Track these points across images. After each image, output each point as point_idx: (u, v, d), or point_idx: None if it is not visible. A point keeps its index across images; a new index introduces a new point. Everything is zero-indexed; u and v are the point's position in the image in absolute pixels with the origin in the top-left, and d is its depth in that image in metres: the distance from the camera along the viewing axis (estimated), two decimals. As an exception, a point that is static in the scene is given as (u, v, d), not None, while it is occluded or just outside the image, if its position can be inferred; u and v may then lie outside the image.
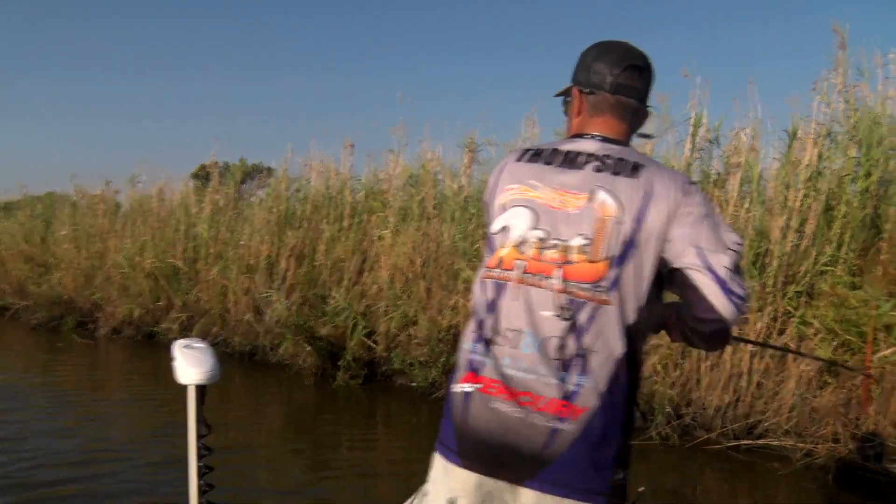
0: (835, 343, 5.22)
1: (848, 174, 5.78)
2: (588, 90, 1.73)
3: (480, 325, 1.64)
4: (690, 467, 5.23)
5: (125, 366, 8.99)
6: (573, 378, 1.52)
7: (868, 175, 5.60)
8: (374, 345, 7.54)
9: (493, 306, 1.63)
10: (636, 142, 1.83)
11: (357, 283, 8.28)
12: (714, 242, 1.53)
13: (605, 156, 1.63)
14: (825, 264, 5.52)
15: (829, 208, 5.79)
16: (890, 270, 5.10)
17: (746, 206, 6.13)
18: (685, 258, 1.53)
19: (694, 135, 6.44)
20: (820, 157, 5.97)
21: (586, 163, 1.64)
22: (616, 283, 1.54)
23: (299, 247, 8.91)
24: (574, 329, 1.54)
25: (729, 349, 5.56)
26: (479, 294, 1.67)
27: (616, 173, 1.60)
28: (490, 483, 1.56)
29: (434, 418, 4.42)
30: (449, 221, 7.84)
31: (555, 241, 1.59)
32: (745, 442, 5.32)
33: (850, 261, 5.46)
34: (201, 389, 1.94)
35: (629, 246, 1.55)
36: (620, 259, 1.55)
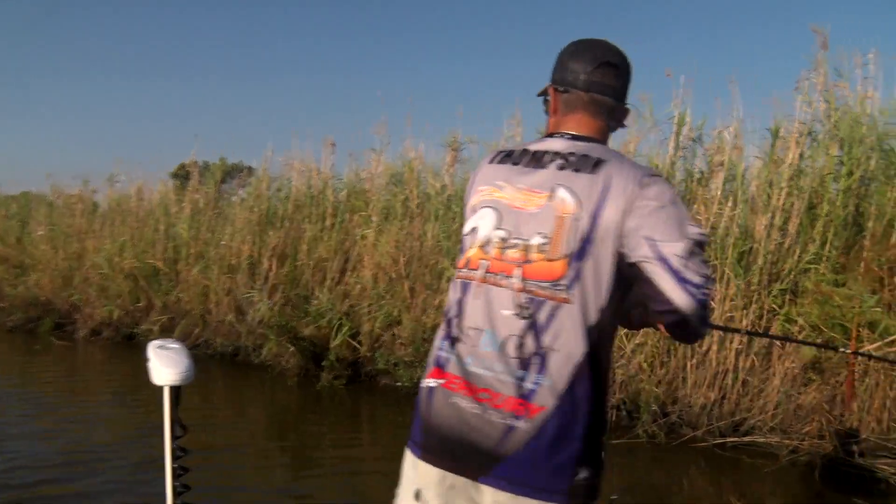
0: (819, 340, 5.25)
1: (830, 173, 5.82)
2: (563, 88, 1.73)
3: (449, 323, 1.67)
4: (677, 465, 5.25)
5: (104, 367, 8.87)
6: (531, 377, 1.52)
7: (850, 174, 5.64)
8: (357, 345, 7.49)
9: (459, 305, 1.66)
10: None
11: (340, 282, 8.25)
12: (667, 232, 1.50)
13: (569, 153, 1.63)
14: (809, 262, 5.56)
15: (811, 206, 5.82)
16: (873, 268, 5.14)
17: (730, 204, 6.15)
18: (639, 251, 1.50)
19: (678, 133, 6.46)
20: (801, 156, 6.01)
21: (551, 161, 1.64)
22: (575, 282, 1.53)
23: (281, 246, 8.84)
24: (533, 328, 1.54)
25: (714, 348, 5.59)
26: (451, 293, 1.71)
27: (577, 170, 1.59)
28: (451, 477, 1.58)
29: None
30: (432, 220, 7.82)
31: (515, 241, 1.60)
32: (731, 439, 5.34)
33: (833, 258, 5.50)
34: (176, 390, 1.94)
35: (586, 243, 1.53)
36: (578, 257, 1.53)
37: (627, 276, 1.55)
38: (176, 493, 1.93)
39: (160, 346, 1.98)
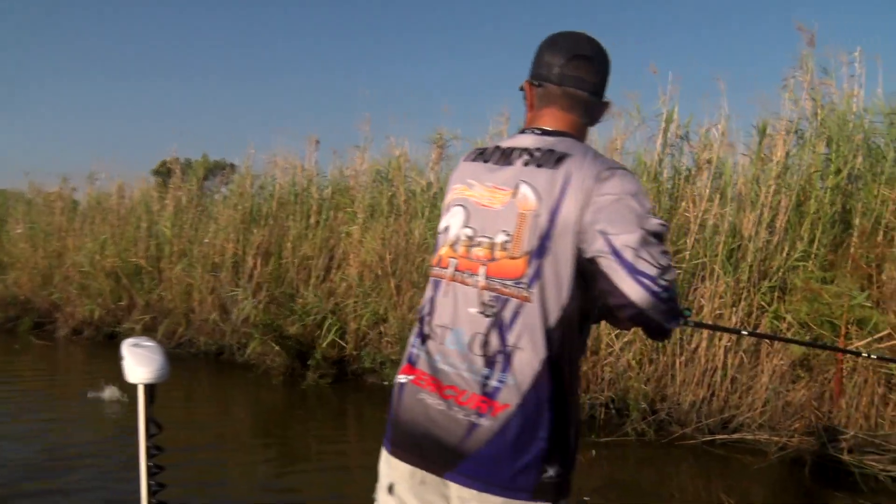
0: (808, 337, 5.26)
1: (817, 170, 5.84)
2: (537, 83, 1.69)
3: (421, 321, 1.68)
4: (666, 463, 5.25)
5: (85, 367, 8.73)
6: (496, 375, 1.52)
7: (838, 171, 5.66)
8: (343, 343, 7.44)
9: (431, 303, 1.67)
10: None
11: (325, 280, 8.19)
12: (622, 224, 1.46)
13: (535, 149, 1.60)
14: (797, 259, 5.57)
15: (799, 204, 5.84)
16: (861, 264, 5.15)
17: (717, 201, 6.16)
18: (594, 245, 1.47)
19: (665, 131, 6.46)
20: (787, 154, 6.03)
21: (518, 158, 1.61)
22: (535, 280, 1.51)
23: (265, 244, 8.78)
24: (498, 326, 1.53)
25: (703, 345, 5.59)
26: (426, 291, 1.71)
27: (539, 165, 1.56)
28: (421, 472, 1.59)
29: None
30: (419, 217, 7.78)
31: (481, 239, 1.59)
32: (720, 436, 5.34)
33: (821, 256, 5.51)
34: (150, 388, 1.91)
35: (546, 240, 1.51)
36: (538, 254, 1.51)
37: (588, 273, 1.52)
38: (151, 492, 1.91)
39: (134, 345, 1.96)
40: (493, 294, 1.54)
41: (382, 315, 7.33)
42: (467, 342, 1.56)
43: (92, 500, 4.25)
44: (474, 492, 1.51)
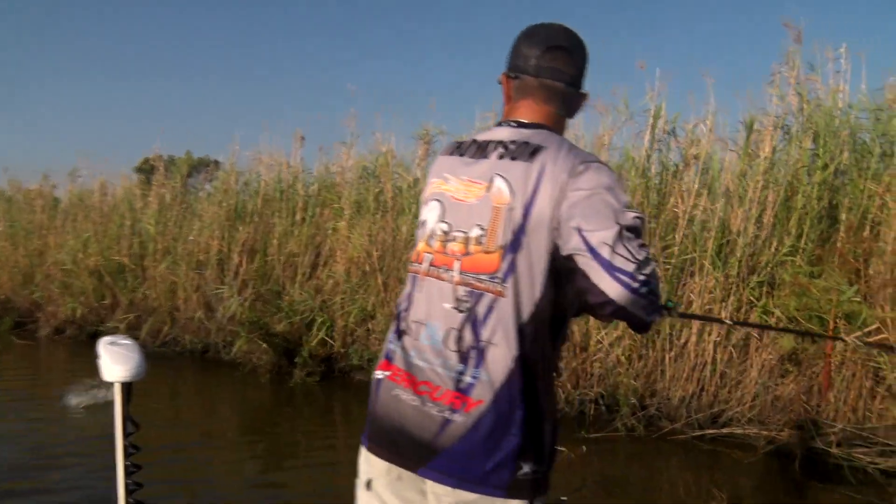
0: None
1: (804, 166, 5.87)
2: (514, 75, 1.68)
3: (399, 316, 1.68)
4: (656, 458, 5.26)
5: (68, 366, 8.63)
6: (469, 371, 1.51)
7: (825, 167, 5.69)
8: (331, 341, 7.39)
9: (408, 298, 1.66)
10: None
11: (311, 277, 8.15)
12: (597, 220, 1.43)
13: (511, 141, 1.59)
14: (785, 254, 5.59)
15: (786, 199, 5.86)
16: (849, 259, 5.19)
17: (705, 196, 6.18)
18: (570, 243, 1.45)
19: (653, 126, 6.46)
20: (774, 149, 6.06)
21: (493, 151, 1.60)
22: (509, 275, 1.50)
23: (251, 242, 8.71)
24: (472, 321, 1.52)
25: (693, 340, 5.61)
26: (405, 287, 1.71)
27: (514, 158, 1.55)
28: (397, 468, 1.60)
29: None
30: (406, 213, 7.75)
31: (456, 233, 1.58)
32: (710, 431, 5.36)
33: (809, 250, 5.54)
34: (127, 387, 1.91)
35: (520, 234, 1.50)
36: (512, 248, 1.50)
37: (564, 269, 1.49)
38: (128, 491, 1.91)
39: (111, 343, 1.95)
40: (468, 289, 1.54)
41: (370, 312, 7.30)
42: (441, 338, 1.55)
43: (78, 498, 4.23)
44: (448, 488, 1.51)
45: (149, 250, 9.55)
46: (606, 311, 1.46)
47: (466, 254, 1.55)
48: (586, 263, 1.43)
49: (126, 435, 1.91)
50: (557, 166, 1.49)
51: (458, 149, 1.69)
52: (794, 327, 5.28)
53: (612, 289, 1.40)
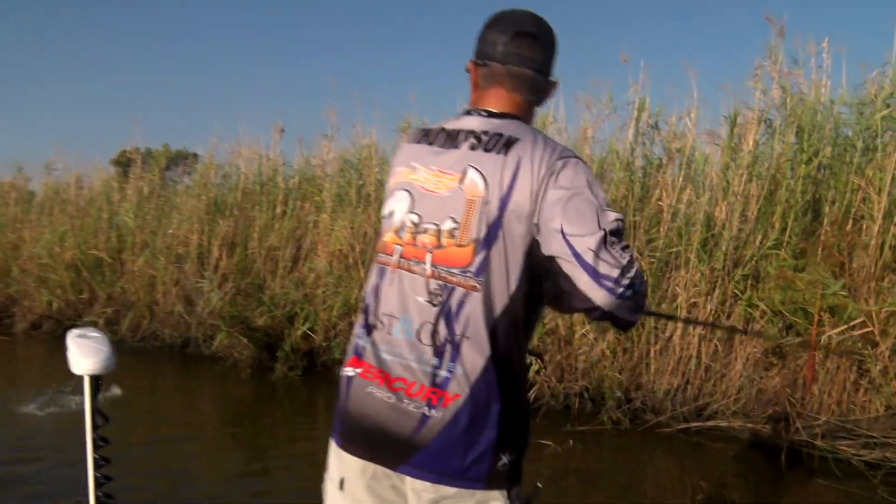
0: (780, 325, 5.31)
1: (788, 160, 5.89)
2: (481, 62, 1.64)
3: (366, 310, 1.64)
4: (642, 451, 5.26)
5: (45, 361, 8.49)
6: (445, 365, 1.50)
7: (809, 161, 5.71)
8: (313, 335, 7.33)
9: (376, 291, 1.63)
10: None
11: (293, 271, 8.08)
12: (580, 224, 1.42)
13: (482, 132, 1.56)
14: (769, 248, 5.61)
15: (770, 193, 5.88)
16: (834, 252, 5.21)
17: (688, 190, 6.19)
18: (553, 245, 1.44)
19: (638, 119, 6.46)
20: (756, 143, 6.07)
21: (464, 141, 1.57)
22: (483, 269, 1.49)
23: (231, 235, 8.62)
24: (445, 315, 1.51)
25: (678, 333, 5.61)
26: (370, 279, 1.67)
27: (487, 150, 1.52)
28: (373, 466, 1.58)
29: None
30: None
31: (427, 225, 1.56)
32: (695, 424, 5.36)
33: (793, 244, 5.55)
34: (96, 379, 1.88)
35: (495, 228, 1.48)
36: (486, 242, 1.49)
37: (542, 266, 1.49)
38: (98, 484, 1.89)
39: (80, 335, 1.92)
40: (440, 282, 1.52)
41: (353, 305, 7.24)
42: (416, 331, 1.53)
43: (51, 490, 4.20)
44: (428, 484, 1.51)
45: (127, 244, 9.41)
46: (593, 315, 1.47)
47: (439, 246, 1.53)
48: (571, 270, 1.42)
49: (95, 428, 1.89)
50: (535, 160, 1.48)
51: (426, 137, 1.65)
52: (778, 321, 5.30)
53: (598, 295, 1.41)
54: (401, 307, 1.56)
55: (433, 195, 1.56)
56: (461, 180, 1.52)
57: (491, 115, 1.60)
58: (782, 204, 5.71)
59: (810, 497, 4.52)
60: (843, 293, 4.92)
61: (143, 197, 9.99)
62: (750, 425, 5.18)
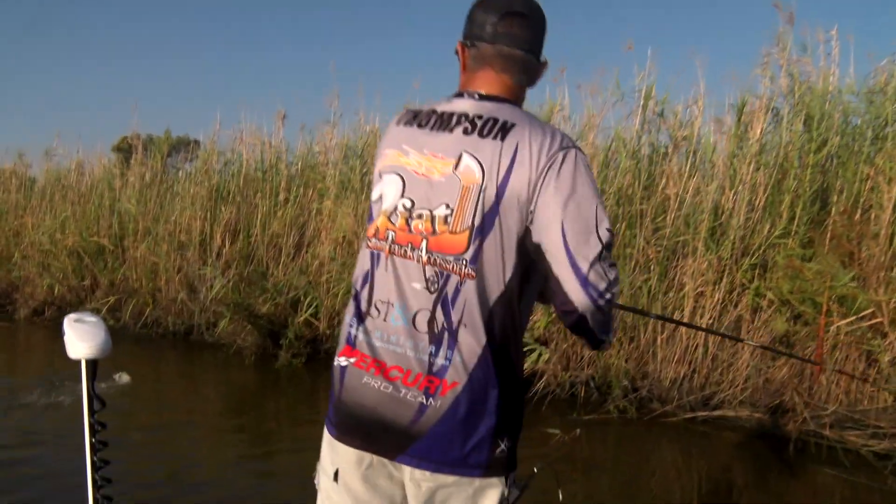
0: (788, 314, 5.28)
1: (795, 148, 5.84)
2: (470, 43, 1.61)
3: (357, 297, 1.62)
4: (648, 440, 5.25)
5: (47, 347, 8.48)
6: (442, 353, 1.49)
7: (818, 149, 5.67)
8: (316, 322, 7.30)
9: (367, 278, 1.60)
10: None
11: (296, 258, 8.05)
12: (580, 231, 1.43)
13: (476, 116, 1.53)
14: (777, 237, 5.57)
15: (778, 181, 5.84)
16: (843, 242, 5.17)
17: (695, 178, 6.15)
18: (548, 245, 1.44)
19: (644, 107, 6.41)
20: (764, 131, 6.03)
21: (457, 124, 1.54)
22: (477, 255, 1.47)
23: (233, 222, 8.57)
24: (442, 303, 1.50)
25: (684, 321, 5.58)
26: (359, 265, 1.64)
27: (482, 135, 1.50)
28: (369, 457, 1.58)
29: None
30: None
31: (421, 211, 1.53)
32: (702, 413, 5.34)
33: (801, 233, 5.52)
34: (93, 364, 1.88)
35: (491, 216, 1.46)
36: (481, 230, 1.47)
37: (532, 254, 1.49)
38: (95, 468, 1.89)
39: (76, 320, 1.92)
40: (435, 269, 1.50)
41: (357, 292, 7.19)
42: (412, 318, 1.51)
43: (51, 474, 4.20)
44: (427, 473, 1.50)
45: (128, 230, 9.35)
46: (568, 319, 1.49)
47: (433, 233, 1.51)
48: (560, 271, 1.44)
49: (92, 412, 1.88)
50: (534, 148, 1.45)
51: (416, 118, 1.61)
52: (786, 310, 5.27)
53: (580, 299, 1.43)
54: (396, 294, 1.54)
55: (426, 180, 1.53)
56: (456, 166, 1.49)
57: (482, 97, 1.57)
58: (790, 193, 5.67)
59: (818, 487, 4.50)
60: (854, 284, 4.88)
61: (144, 184, 9.93)
62: (757, 415, 5.16)
